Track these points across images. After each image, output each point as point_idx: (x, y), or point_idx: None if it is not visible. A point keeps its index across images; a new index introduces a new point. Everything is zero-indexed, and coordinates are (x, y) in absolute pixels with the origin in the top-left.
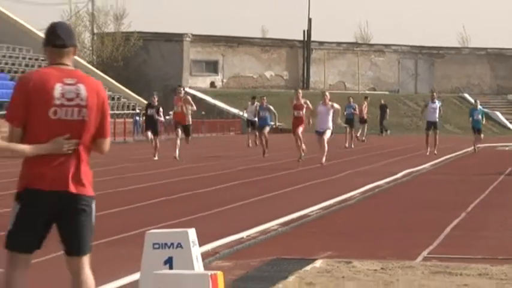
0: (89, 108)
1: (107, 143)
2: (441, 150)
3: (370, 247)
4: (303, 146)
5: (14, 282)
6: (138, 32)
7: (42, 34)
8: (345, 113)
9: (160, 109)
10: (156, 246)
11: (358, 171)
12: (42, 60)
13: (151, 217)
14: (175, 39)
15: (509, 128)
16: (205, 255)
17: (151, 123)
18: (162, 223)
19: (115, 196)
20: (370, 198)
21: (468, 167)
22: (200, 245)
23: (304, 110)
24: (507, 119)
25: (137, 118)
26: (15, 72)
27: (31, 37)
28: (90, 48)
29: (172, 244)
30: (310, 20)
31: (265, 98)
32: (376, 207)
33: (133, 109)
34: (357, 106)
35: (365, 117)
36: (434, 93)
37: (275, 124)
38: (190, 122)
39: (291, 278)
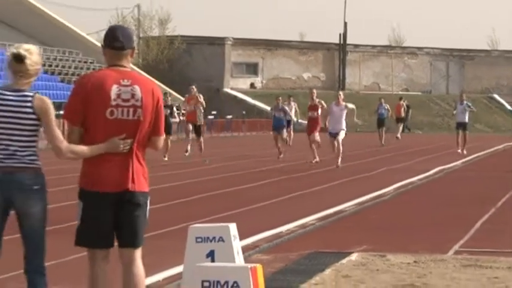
0: (143, 109)
1: (161, 140)
2: (472, 148)
3: (403, 241)
4: (317, 157)
5: (94, 276)
6: (182, 36)
7: (90, 38)
8: (376, 113)
9: (174, 109)
10: (199, 240)
11: (391, 169)
12: (91, 62)
13: (194, 212)
14: (217, 42)
15: None
16: (245, 249)
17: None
18: (204, 218)
19: (157, 193)
20: (404, 194)
21: (498, 164)
22: (241, 239)
23: (319, 110)
24: None
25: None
26: (66, 74)
27: (80, 41)
28: (137, 52)
29: (214, 238)
30: (345, 24)
31: (280, 98)
32: (409, 203)
33: (178, 109)
34: (388, 106)
35: (402, 115)
36: (463, 95)
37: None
38: (202, 122)
39: (328, 271)
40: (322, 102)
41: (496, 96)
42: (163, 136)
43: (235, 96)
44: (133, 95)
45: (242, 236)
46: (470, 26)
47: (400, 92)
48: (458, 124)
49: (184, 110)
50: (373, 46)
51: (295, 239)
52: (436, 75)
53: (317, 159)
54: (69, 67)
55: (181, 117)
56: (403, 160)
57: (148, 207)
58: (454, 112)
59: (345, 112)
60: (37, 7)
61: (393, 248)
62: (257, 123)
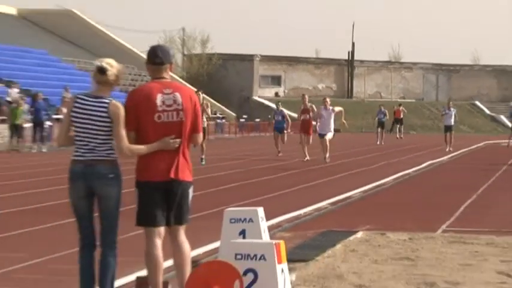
0: (184, 111)
1: (200, 136)
2: (456, 146)
3: (400, 222)
4: (307, 154)
5: (150, 249)
6: (219, 54)
7: (143, 55)
8: (377, 117)
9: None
10: (233, 221)
11: (390, 163)
12: (144, 75)
13: (227, 199)
14: (247, 58)
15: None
16: (270, 228)
17: None
18: (235, 203)
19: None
20: (400, 184)
21: (478, 159)
22: (267, 220)
23: (311, 113)
24: (510, 122)
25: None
26: (123, 85)
27: (135, 57)
28: (181, 66)
29: (245, 219)
30: (353, 44)
31: (280, 103)
32: (405, 190)
33: (215, 113)
34: (387, 112)
35: (401, 117)
36: (450, 102)
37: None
38: (205, 125)
39: (338, 246)
40: (313, 106)
41: (477, 103)
42: (201, 133)
43: (262, 103)
44: (175, 101)
45: (268, 218)
46: (457, 45)
47: (398, 100)
48: (446, 127)
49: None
50: (376, 62)
51: (311, 220)
52: (427, 86)
53: (308, 157)
54: (126, 79)
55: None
56: (399, 156)
57: (191, 194)
58: (442, 113)
59: (332, 115)
60: (100, 30)
61: (392, 227)
62: None
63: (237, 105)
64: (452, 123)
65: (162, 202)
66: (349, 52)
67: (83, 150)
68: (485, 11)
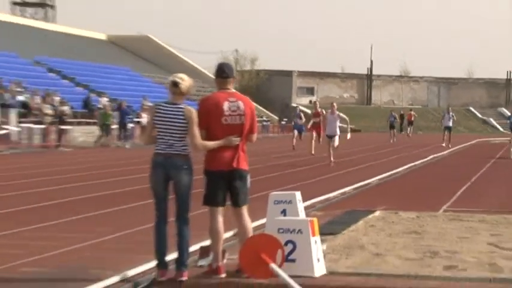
0: (245, 116)
1: (255, 136)
2: (454, 143)
3: (409, 203)
4: (313, 150)
5: (213, 224)
6: (265, 70)
7: (205, 71)
8: (388, 120)
9: None
10: (276, 202)
11: (401, 156)
12: (207, 87)
13: (273, 184)
14: (287, 74)
15: (498, 129)
16: (306, 208)
17: None
18: (277, 188)
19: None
20: (410, 173)
21: (472, 154)
22: (303, 202)
23: (321, 116)
24: (497, 123)
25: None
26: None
27: (198, 73)
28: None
29: (286, 201)
30: (371, 62)
31: (298, 107)
32: (414, 178)
33: (261, 117)
34: (397, 115)
35: (412, 120)
36: (449, 108)
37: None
38: None
39: (360, 222)
40: (323, 111)
41: (471, 108)
42: (256, 133)
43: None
44: (238, 107)
45: (304, 200)
46: (455, 62)
47: (408, 106)
48: (445, 127)
49: None
50: (390, 76)
51: (338, 201)
52: (431, 95)
53: (313, 152)
54: (193, 91)
55: None
56: (408, 151)
57: (249, 180)
58: (441, 118)
59: (337, 119)
60: (171, 51)
61: (403, 207)
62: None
63: (279, 111)
64: (451, 124)
65: (225, 187)
66: (368, 68)
67: (163, 146)
68: (480, 33)
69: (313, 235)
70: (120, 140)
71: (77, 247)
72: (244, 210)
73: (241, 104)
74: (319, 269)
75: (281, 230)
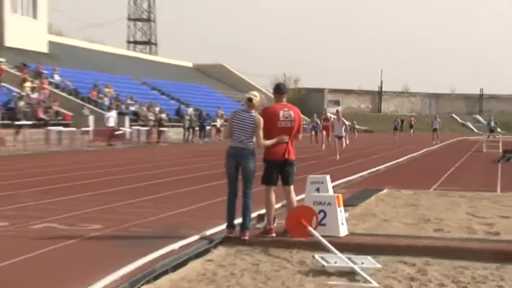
0: (295, 121)
1: (301, 136)
2: (441, 140)
3: (409, 184)
4: (324, 146)
5: (268, 198)
6: (304, 88)
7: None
8: (393, 124)
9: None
10: (312, 182)
11: (401, 150)
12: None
13: (309, 170)
14: (320, 91)
15: (474, 131)
16: (334, 187)
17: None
18: (314, 172)
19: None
20: (408, 162)
21: (454, 148)
22: (331, 182)
23: (329, 122)
24: (473, 126)
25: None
26: (242, 105)
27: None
28: None
29: (319, 181)
30: (381, 81)
31: (315, 114)
32: (411, 166)
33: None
34: (399, 120)
35: (412, 124)
36: (436, 115)
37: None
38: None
39: (373, 197)
40: (331, 115)
41: (454, 115)
42: (302, 134)
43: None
44: (290, 115)
45: (332, 181)
46: (441, 81)
47: (407, 114)
48: (433, 129)
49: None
50: (394, 92)
51: (356, 182)
52: (424, 106)
53: (324, 147)
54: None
55: None
56: (407, 146)
57: (295, 166)
58: (431, 123)
59: (342, 124)
60: (239, 75)
61: (404, 186)
62: None
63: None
64: (437, 126)
65: (277, 172)
66: (378, 86)
67: (237, 141)
68: (461, 57)
69: (339, 206)
70: (200, 138)
71: (169, 214)
72: (292, 188)
73: (292, 112)
74: (343, 231)
75: (316, 203)
